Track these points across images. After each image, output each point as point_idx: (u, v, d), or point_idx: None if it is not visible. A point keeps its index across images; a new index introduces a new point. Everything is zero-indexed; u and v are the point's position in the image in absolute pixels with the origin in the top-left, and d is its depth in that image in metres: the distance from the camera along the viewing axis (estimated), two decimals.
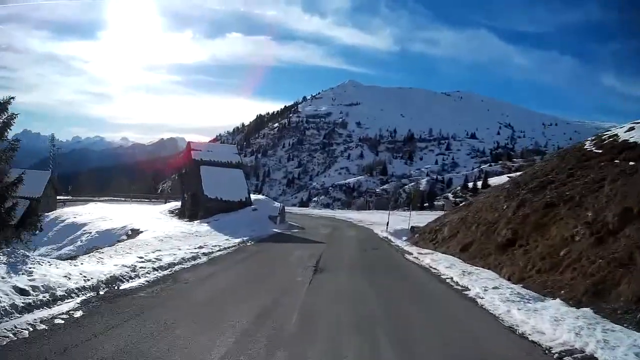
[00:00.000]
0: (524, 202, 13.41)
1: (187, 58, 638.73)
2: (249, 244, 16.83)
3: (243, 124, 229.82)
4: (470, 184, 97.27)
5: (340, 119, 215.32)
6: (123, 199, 46.32)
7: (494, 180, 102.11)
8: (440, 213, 37.17)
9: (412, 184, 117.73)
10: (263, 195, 42.64)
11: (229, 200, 27.65)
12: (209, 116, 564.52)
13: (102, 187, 72.02)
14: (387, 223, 29.02)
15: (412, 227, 25.53)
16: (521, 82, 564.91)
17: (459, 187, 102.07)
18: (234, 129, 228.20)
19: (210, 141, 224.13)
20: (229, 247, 14.71)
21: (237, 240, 16.59)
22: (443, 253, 15.18)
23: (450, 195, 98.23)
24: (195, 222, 24.00)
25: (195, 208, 28.12)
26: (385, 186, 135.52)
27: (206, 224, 22.27)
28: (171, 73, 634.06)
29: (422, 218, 32.18)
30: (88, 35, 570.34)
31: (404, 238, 22.97)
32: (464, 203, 30.13)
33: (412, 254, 16.04)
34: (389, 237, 24.34)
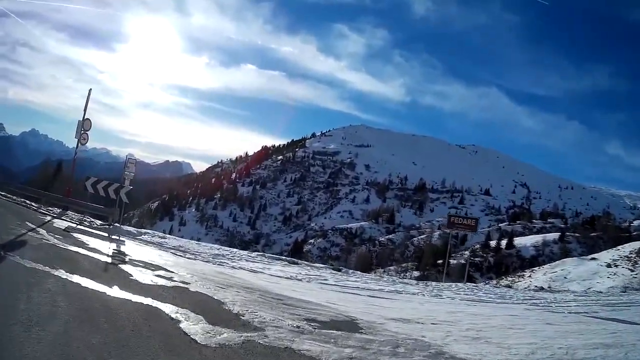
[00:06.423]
0: None
1: (200, 83, 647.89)
2: None
3: (246, 153, 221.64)
4: (493, 243, 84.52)
5: (349, 159, 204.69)
6: None
7: (519, 241, 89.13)
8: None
9: (424, 236, 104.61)
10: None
11: None
12: (214, 144, 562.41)
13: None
14: None
15: None
16: (527, 143, 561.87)
17: (478, 245, 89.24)
18: (236, 157, 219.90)
19: (209, 167, 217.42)
20: None
21: None
22: None
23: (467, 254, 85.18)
24: None
25: None
26: (390, 236, 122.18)
27: None
28: (183, 96, 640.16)
29: None
30: (104, 45, 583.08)
31: None
32: None
33: None
34: None
